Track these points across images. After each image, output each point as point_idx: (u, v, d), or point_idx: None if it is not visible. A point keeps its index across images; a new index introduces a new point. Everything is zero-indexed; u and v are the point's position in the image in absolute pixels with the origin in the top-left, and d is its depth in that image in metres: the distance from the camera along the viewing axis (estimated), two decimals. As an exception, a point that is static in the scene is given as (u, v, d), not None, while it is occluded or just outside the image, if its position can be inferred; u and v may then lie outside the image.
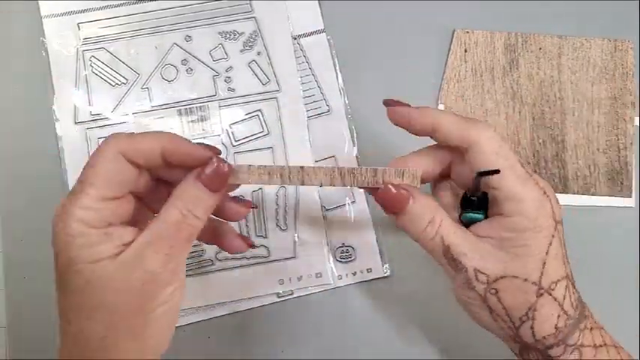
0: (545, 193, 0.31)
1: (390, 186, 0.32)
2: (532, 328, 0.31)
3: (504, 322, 0.32)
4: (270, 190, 0.45)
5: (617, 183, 0.46)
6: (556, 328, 0.31)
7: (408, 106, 0.34)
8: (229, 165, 0.30)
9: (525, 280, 0.30)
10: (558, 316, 0.31)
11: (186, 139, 0.30)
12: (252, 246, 0.35)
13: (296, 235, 0.45)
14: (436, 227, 0.31)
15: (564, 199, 0.46)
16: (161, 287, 0.29)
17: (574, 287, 0.32)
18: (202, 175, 0.29)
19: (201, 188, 0.29)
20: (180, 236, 0.29)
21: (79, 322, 0.28)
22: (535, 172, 0.46)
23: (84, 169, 0.29)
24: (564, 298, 0.31)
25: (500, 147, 0.30)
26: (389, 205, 0.32)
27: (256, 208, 0.35)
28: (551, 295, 0.31)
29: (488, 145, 0.30)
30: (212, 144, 0.44)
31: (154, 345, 0.29)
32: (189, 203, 0.29)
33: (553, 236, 0.30)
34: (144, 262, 0.28)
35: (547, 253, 0.30)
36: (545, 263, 0.30)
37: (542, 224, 0.30)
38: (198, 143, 0.31)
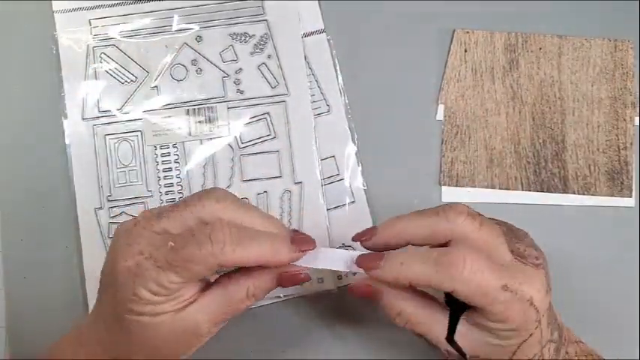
0: (532, 303, 0.30)
1: (359, 283, 0.34)
2: None
3: None
4: (275, 193, 0.45)
5: (617, 183, 0.46)
6: None
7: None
8: (309, 275, 0.33)
9: None
10: None
11: (284, 241, 0.32)
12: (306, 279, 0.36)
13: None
14: (405, 320, 0.33)
15: (564, 199, 0.46)
16: (202, 340, 0.33)
17: (552, 342, 0.33)
18: (283, 279, 0.33)
19: (274, 283, 0.33)
20: (235, 311, 0.32)
21: (122, 349, 0.32)
22: (535, 172, 0.46)
23: (177, 253, 0.30)
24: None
25: (477, 287, 0.30)
26: (363, 296, 0.34)
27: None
28: None
29: (467, 296, 0.30)
30: (219, 145, 0.45)
31: None
32: (259, 291, 0.32)
33: (531, 334, 0.31)
34: (197, 326, 0.31)
35: (520, 346, 0.31)
36: (515, 352, 0.32)
37: (522, 330, 0.31)
38: (293, 234, 0.33)
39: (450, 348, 0.32)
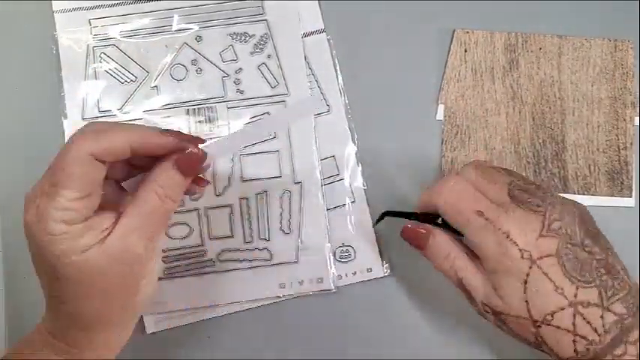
0: (508, 236, 0.32)
1: (410, 225, 0.38)
2: (550, 350, 0.32)
3: (523, 342, 0.34)
4: (275, 193, 0.45)
5: (617, 183, 0.46)
6: (576, 352, 0.32)
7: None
8: (203, 151, 0.32)
9: (518, 316, 0.32)
10: (574, 341, 0.31)
11: (154, 131, 0.32)
12: (206, 182, 0.36)
13: (299, 239, 0.45)
14: (450, 262, 0.36)
15: (564, 199, 0.46)
16: (145, 265, 0.31)
17: (601, 309, 0.31)
18: (179, 162, 0.31)
19: (178, 174, 0.32)
20: (159, 220, 0.32)
21: (75, 303, 0.30)
22: (535, 172, 0.46)
23: (53, 168, 0.30)
24: (576, 326, 0.31)
25: (452, 207, 0.35)
26: (412, 241, 0.38)
27: (209, 183, 0.38)
28: (550, 325, 0.32)
29: (445, 210, 0.35)
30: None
31: (140, 310, 0.33)
32: (167, 188, 0.31)
33: (528, 274, 0.32)
34: (129, 249, 0.30)
35: (525, 291, 0.32)
36: (527, 301, 0.32)
37: (509, 267, 0.32)
38: (164, 130, 0.32)
39: (488, 300, 0.34)
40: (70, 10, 0.47)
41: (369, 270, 0.45)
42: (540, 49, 0.48)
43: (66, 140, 0.44)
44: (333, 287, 0.44)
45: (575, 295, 0.31)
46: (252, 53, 0.47)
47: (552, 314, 0.31)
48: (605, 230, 0.46)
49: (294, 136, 0.46)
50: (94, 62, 0.46)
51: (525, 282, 0.32)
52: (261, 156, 0.46)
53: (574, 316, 0.31)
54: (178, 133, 0.32)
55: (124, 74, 0.46)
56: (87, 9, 0.47)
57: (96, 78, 0.46)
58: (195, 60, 0.46)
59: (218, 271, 0.44)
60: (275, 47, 0.47)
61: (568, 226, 0.33)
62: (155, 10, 0.47)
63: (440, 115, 0.47)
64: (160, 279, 0.41)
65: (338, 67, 0.47)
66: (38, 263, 0.31)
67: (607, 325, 0.31)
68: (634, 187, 0.46)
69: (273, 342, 0.44)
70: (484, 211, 0.34)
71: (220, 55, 0.47)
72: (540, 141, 0.47)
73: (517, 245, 0.32)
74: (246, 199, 0.45)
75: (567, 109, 0.47)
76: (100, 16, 0.46)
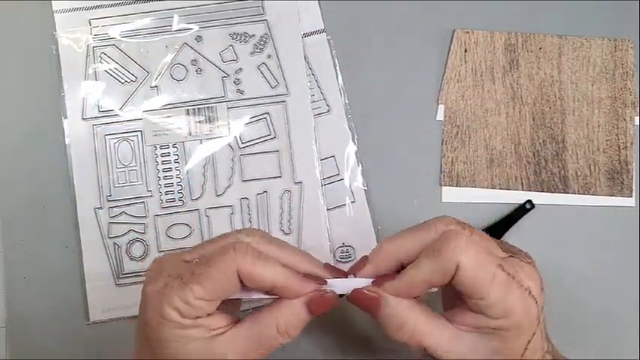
0: (530, 293, 0.30)
1: (358, 289, 0.32)
2: None
3: None
4: (275, 193, 0.45)
5: (618, 182, 0.46)
6: None
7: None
8: (335, 294, 0.32)
9: None
10: None
11: (298, 276, 0.32)
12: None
13: (300, 239, 0.45)
14: (409, 333, 0.31)
15: (564, 198, 0.46)
16: None
17: (548, 352, 0.32)
18: (311, 303, 0.31)
19: (306, 312, 0.31)
20: (265, 350, 0.31)
21: None
22: (535, 172, 0.46)
23: (204, 261, 0.30)
24: None
25: (478, 259, 0.29)
26: (363, 306, 0.32)
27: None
28: None
29: (469, 268, 0.29)
30: (219, 145, 0.45)
31: None
32: (290, 325, 0.31)
33: (534, 333, 0.30)
34: (224, 355, 0.30)
35: (525, 349, 0.30)
36: (522, 356, 0.30)
37: (526, 327, 0.30)
38: (307, 275, 0.32)
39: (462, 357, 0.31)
40: (70, 10, 0.47)
41: (369, 270, 0.45)
42: (540, 49, 0.48)
43: (66, 141, 0.45)
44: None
45: (544, 349, 0.32)
46: (252, 53, 0.47)
47: None
48: (606, 230, 0.46)
49: (294, 136, 0.46)
50: (94, 62, 0.46)
51: (530, 341, 0.30)
52: (262, 156, 0.45)
53: None
54: (321, 281, 0.32)
55: (124, 74, 0.46)
56: (87, 9, 0.47)
57: (96, 78, 0.46)
58: (195, 60, 0.46)
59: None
60: (275, 47, 0.47)
61: None
62: (155, 10, 0.47)
63: (440, 115, 0.47)
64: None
65: (338, 67, 0.47)
66: (142, 336, 0.32)
67: None
68: (634, 187, 0.46)
69: None
70: (504, 266, 0.30)
71: (220, 55, 0.47)
72: (540, 141, 0.47)
73: (535, 301, 0.30)
74: (247, 199, 0.45)
75: (567, 108, 0.47)
76: (100, 16, 0.47)
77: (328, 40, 0.47)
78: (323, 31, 0.47)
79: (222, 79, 0.46)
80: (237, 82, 0.46)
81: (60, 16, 0.46)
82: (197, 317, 0.30)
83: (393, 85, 0.47)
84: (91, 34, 0.46)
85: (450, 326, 0.31)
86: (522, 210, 0.45)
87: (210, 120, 0.46)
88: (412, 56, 0.48)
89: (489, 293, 0.29)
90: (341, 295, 0.33)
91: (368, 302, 0.32)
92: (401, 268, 0.33)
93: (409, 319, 0.31)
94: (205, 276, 0.30)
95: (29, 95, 0.46)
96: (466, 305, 0.31)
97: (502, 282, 0.29)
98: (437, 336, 0.31)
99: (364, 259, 0.34)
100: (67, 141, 0.45)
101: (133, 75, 0.46)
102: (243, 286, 0.31)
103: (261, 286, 0.31)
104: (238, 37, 0.47)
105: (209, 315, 0.31)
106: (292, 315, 0.31)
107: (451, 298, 0.34)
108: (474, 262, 0.29)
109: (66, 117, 0.45)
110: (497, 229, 0.45)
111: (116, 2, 0.47)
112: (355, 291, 0.32)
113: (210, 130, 0.46)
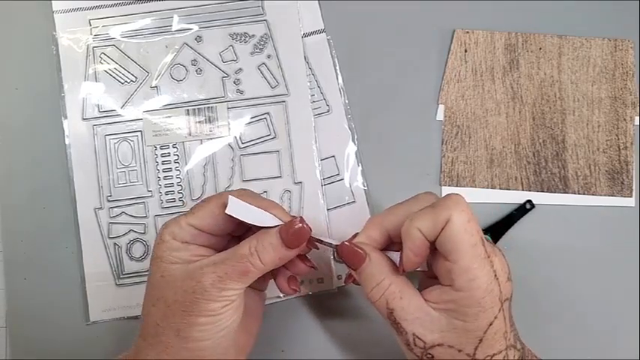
0: (495, 276, 0.32)
1: (347, 242, 0.35)
2: None
3: None
4: (276, 193, 0.45)
5: (618, 182, 0.46)
6: None
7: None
8: (309, 228, 0.34)
9: (460, 350, 0.32)
10: None
11: (281, 208, 0.35)
12: (296, 291, 0.38)
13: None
14: (382, 291, 0.33)
15: (565, 198, 0.46)
16: (207, 300, 0.32)
17: (517, 349, 0.33)
18: (282, 229, 0.34)
19: (277, 238, 0.33)
20: (237, 268, 0.33)
21: (148, 306, 0.34)
22: (535, 172, 0.46)
23: (198, 203, 0.35)
24: None
25: (468, 222, 0.31)
26: (347, 260, 0.34)
27: (316, 269, 0.39)
28: None
29: (458, 222, 0.31)
30: (219, 145, 0.45)
31: (196, 351, 0.33)
32: (261, 246, 0.33)
33: (496, 317, 0.32)
34: (201, 275, 0.32)
35: (485, 332, 0.32)
36: (481, 340, 0.32)
37: (487, 305, 0.31)
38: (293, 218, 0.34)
39: (422, 330, 0.32)
40: (70, 11, 0.47)
41: (370, 270, 0.45)
42: (540, 49, 0.48)
43: (66, 141, 0.45)
44: (333, 287, 0.44)
45: (508, 340, 0.33)
46: (252, 53, 0.47)
47: (492, 356, 0.32)
48: (606, 230, 0.46)
49: (294, 136, 0.46)
50: (94, 62, 0.46)
51: (491, 323, 0.32)
52: (262, 156, 0.45)
53: (504, 358, 0.32)
54: (304, 222, 0.34)
55: (124, 74, 0.46)
56: (87, 9, 0.47)
57: (96, 78, 0.46)
58: (195, 60, 0.46)
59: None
60: (275, 47, 0.47)
61: None
62: (155, 10, 0.47)
63: (440, 115, 0.47)
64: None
65: (338, 67, 0.47)
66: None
67: None
68: (634, 187, 0.46)
69: (273, 342, 0.44)
70: (485, 242, 0.32)
71: (220, 56, 0.47)
72: (540, 141, 0.47)
73: (499, 286, 0.32)
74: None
75: (567, 108, 0.47)
76: (100, 17, 0.47)
77: (328, 40, 0.47)
78: (323, 31, 0.47)
79: (222, 80, 0.46)
80: (237, 82, 0.46)
81: (60, 16, 0.46)
82: (187, 242, 0.34)
83: (393, 85, 0.47)
84: (91, 34, 0.46)
85: (421, 299, 0.33)
86: (522, 210, 0.45)
87: (210, 120, 0.46)
88: (412, 56, 0.48)
89: (464, 257, 0.31)
90: (328, 245, 0.35)
91: (353, 256, 0.34)
92: (390, 243, 0.36)
93: (385, 279, 0.33)
94: (199, 206, 0.35)
95: (29, 95, 0.46)
96: (438, 282, 0.33)
97: (478, 254, 0.31)
98: (406, 301, 0.33)
99: (354, 234, 0.36)
100: (67, 141, 0.45)
101: (133, 75, 0.46)
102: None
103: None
104: (238, 37, 0.47)
105: (199, 245, 0.34)
106: (266, 240, 0.33)
107: (426, 281, 0.36)
108: (464, 222, 0.31)
109: (66, 117, 0.45)
110: (498, 229, 0.45)
111: (116, 2, 0.47)
112: (344, 244, 0.34)
113: (211, 130, 0.46)
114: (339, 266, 0.45)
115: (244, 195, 0.35)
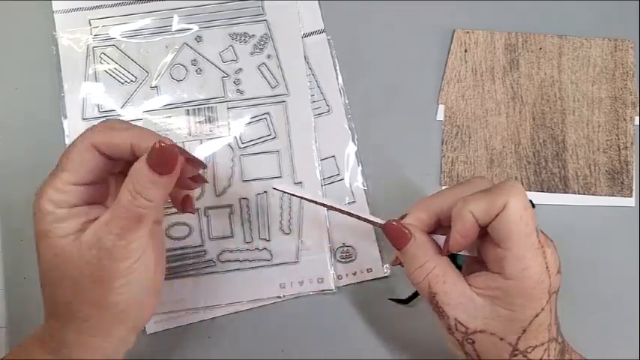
0: (547, 267, 0.31)
1: (394, 222, 0.34)
2: None
3: None
4: (276, 192, 0.45)
5: (618, 182, 0.46)
6: None
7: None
8: (173, 146, 0.31)
9: (502, 339, 0.31)
10: None
11: (154, 134, 0.33)
12: (193, 213, 0.37)
13: (299, 239, 0.45)
14: (425, 273, 0.33)
15: (565, 198, 0.46)
16: (116, 262, 0.31)
17: (558, 343, 0.33)
18: (148, 156, 0.30)
19: (147, 169, 0.30)
20: (129, 216, 0.31)
21: (50, 288, 0.32)
22: (535, 172, 0.46)
23: (61, 155, 0.32)
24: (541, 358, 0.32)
25: (524, 210, 0.30)
26: (393, 239, 0.34)
27: (206, 167, 0.37)
28: (526, 357, 0.32)
29: (515, 209, 0.30)
30: (219, 145, 0.45)
31: (119, 314, 0.32)
32: (139, 186, 0.30)
33: (542, 309, 0.31)
34: (99, 240, 0.30)
35: (530, 322, 0.31)
36: (525, 330, 0.31)
37: (535, 296, 0.31)
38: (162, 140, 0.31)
39: (466, 316, 0.32)
40: (70, 11, 0.47)
41: (370, 270, 0.45)
42: (540, 49, 0.48)
43: (66, 141, 0.45)
44: (333, 287, 0.44)
45: (551, 332, 0.32)
46: (252, 53, 0.47)
47: (534, 348, 0.32)
48: (606, 230, 0.46)
49: (294, 136, 0.46)
50: (94, 62, 0.46)
51: (537, 315, 0.31)
52: (262, 156, 0.45)
53: (545, 350, 0.32)
54: (170, 141, 0.32)
55: (124, 74, 0.46)
56: (87, 9, 0.47)
57: (96, 78, 0.46)
58: (195, 60, 0.46)
59: (218, 272, 0.44)
60: (275, 47, 0.47)
61: None
62: (155, 10, 0.47)
63: (440, 115, 0.47)
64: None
65: (338, 67, 0.47)
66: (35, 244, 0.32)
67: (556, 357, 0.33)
68: (634, 187, 0.46)
69: (273, 342, 0.44)
70: (539, 233, 0.32)
71: (220, 56, 0.46)
72: (541, 141, 0.47)
73: (549, 278, 0.31)
74: (247, 199, 0.45)
75: (567, 108, 0.47)
76: (100, 17, 0.47)
77: (328, 40, 0.47)
78: (323, 31, 0.47)
79: (222, 80, 0.46)
80: (237, 82, 0.46)
81: (60, 16, 0.46)
82: (73, 205, 0.31)
83: (393, 85, 0.47)
84: (91, 34, 0.46)
85: (465, 284, 0.32)
86: None
87: (210, 120, 0.46)
88: (412, 56, 0.48)
89: (518, 246, 0.30)
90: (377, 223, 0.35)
91: (399, 235, 0.34)
92: (437, 227, 0.35)
93: (429, 262, 0.33)
94: (67, 159, 0.32)
95: (29, 95, 0.46)
96: (485, 269, 0.32)
97: (532, 243, 0.31)
98: (449, 286, 0.32)
99: (403, 215, 0.35)
100: (67, 141, 0.45)
101: (133, 75, 0.46)
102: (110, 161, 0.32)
103: (120, 151, 0.32)
104: (238, 38, 0.47)
105: (85, 206, 0.32)
106: (141, 177, 0.30)
107: (472, 266, 0.35)
108: (520, 209, 0.30)
109: (66, 117, 0.45)
110: None
111: (116, 2, 0.47)
112: (390, 223, 0.34)
113: (211, 130, 0.46)
114: (339, 266, 0.45)
115: (115, 125, 0.33)
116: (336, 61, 0.47)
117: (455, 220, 0.32)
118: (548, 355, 0.32)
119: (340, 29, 0.47)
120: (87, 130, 0.33)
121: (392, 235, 0.34)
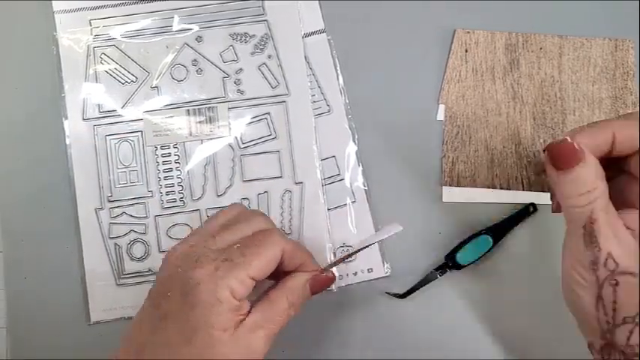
0: None
1: (569, 138, 0.30)
2: (631, 332, 0.30)
3: (606, 315, 0.30)
4: (276, 193, 0.45)
5: (618, 183, 0.46)
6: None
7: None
8: (334, 275, 0.37)
9: None
10: None
11: (305, 252, 0.36)
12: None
13: (300, 239, 0.45)
14: (592, 198, 0.30)
15: (565, 198, 0.46)
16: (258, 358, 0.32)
17: None
18: (313, 282, 0.36)
19: (308, 289, 0.35)
20: (282, 323, 0.34)
21: None
22: (536, 172, 0.46)
23: (248, 242, 0.33)
24: None
25: None
26: (561, 156, 0.30)
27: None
28: None
29: None
30: (219, 145, 0.45)
31: None
32: (296, 297, 0.34)
33: None
34: (253, 344, 0.32)
35: None
36: None
37: None
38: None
39: (620, 253, 0.30)
40: (70, 11, 0.47)
41: (370, 270, 0.45)
42: (541, 48, 0.48)
43: (67, 141, 0.45)
44: (333, 287, 0.44)
45: None
46: (252, 53, 0.47)
47: None
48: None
49: (294, 137, 0.46)
50: (95, 63, 0.46)
51: None
52: (262, 156, 0.45)
53: None
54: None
55: (124, 75, 0.46)
56: (87, 9, 0.47)
57: (96, 78, 0.46)
58: (195, 60, 0.46)
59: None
60: (275, 47, 0.47)
61: None
62: (156, 10, 0.47)
63: (440, 116, 0.47)
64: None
65: (338, 67, 0.47)
66: (181, 316, 0.31)
67: None
68: (635, 186, 0.46)
69: (273, 342, 0.44)
70: None
71: (221, 56, 0.47)
72: (541, 141, 0.47)
73: None
74: (247, 199, 0.45)
75: (568, 108, 0.47)
76: (101, 17, 0.47)
77: (328, 40, 0.47)
78: (323, 31, 0.47)
79: (223, 80, 0.46)
80: (237, 82, 0.46)
81: (60, 16, 0.46)
82: (241, 299, 0.31)
83: (393, 85, 0.47)
84: (92, 34, 0.46)
85: (621, 221, 0.30)
86: (525, 213, 0.45)
87: (210, 120, 0.46)
88: (412, 56, 0.48)
89: None
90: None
91: (571, 153, 0.30)
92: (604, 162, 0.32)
93: (599, 188, 0.30)
94: (257, 255, 0.32)
95: (29, 96, 0.46)
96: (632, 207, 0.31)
97: None
98: (611, 217, 0.30)
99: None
100: (67, 141, 0.45)
101: (133, 75, 0.46)
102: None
103: (295, 264, 0.35)
104: (239, 38, 0.47)
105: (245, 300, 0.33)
106: (299, 291, 0.35)
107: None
108: None
109: (66, 117, 0.45)
110: (499, 230, 0.44)
111: (117, 3, 0.47)
112: (555, 144, 0.31)
113: (211, 131, 0.46)
114: (340, 266, 0.44)
115: (297, 248, 0.35)
116: (337, 61, 0.47)
117: (596, 136, 0.30)
118: None
119: (340, 29, 0.47)
120: (279, 233, 0.34)
121: (562, 152, 0.30)
